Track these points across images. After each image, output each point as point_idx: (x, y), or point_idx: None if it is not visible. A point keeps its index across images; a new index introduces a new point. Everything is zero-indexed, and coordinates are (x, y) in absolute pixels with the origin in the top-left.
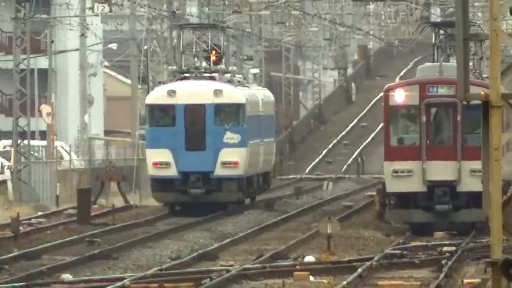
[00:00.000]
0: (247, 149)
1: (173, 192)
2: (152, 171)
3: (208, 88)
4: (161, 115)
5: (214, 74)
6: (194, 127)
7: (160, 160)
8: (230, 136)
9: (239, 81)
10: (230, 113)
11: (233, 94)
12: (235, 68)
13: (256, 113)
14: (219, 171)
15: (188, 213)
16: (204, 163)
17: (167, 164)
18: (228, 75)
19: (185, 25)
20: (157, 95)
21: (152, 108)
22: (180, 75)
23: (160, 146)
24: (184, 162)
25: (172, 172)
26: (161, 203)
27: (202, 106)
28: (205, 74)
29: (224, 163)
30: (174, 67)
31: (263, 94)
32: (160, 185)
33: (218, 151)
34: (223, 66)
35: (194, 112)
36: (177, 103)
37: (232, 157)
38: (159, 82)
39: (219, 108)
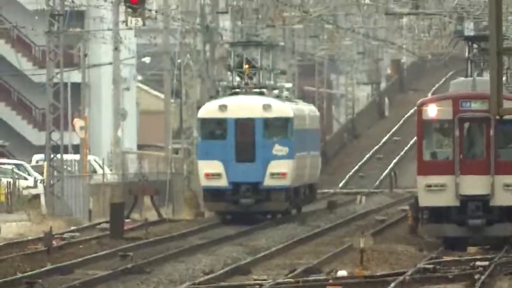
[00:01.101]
0: (294, 161)
1: (224, 202)
2: (204, 182)
3: (258, 103)
4: (213, 128)
5: (263, 90)
6: (244, 140)
7: (211, 171)
8: (279, 149)
9: (286, 97)
10: (278, 127)
11: (281, 109)
12: (283, 84)
13: (302, 127)
14: (268, 182)
15: (238, 222)
16: (253, 174)
17: (218, 175)
18: (276, 91)
19: (236, 43)
20: (209, 109)
21: (204, 121)
22: (231, 90)
23: (211, 158)
24: (234, 173)
25: (223, 182)
26: (212, 212)
27: (252, 120)
28: (254, 90)
29: (273, 174)
30: (225, 83)
31: (309, 109)
32: (212, 195)
33: (267, 162)
34: (271, 82)
35: (244, 125)
36: (228, 117)
37: (281, 168)
38: (211, 97)
39: (268, 122)
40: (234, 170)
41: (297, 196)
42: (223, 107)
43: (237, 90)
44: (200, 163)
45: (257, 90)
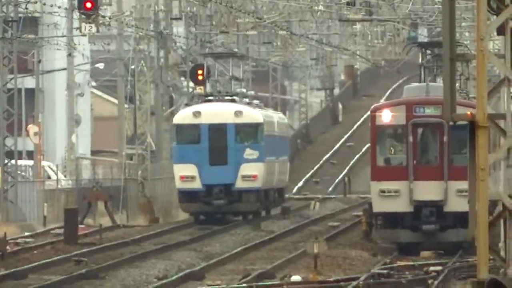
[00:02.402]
0: (265, 164)
1: (198, 203)
2: (179, 184)
3: (230, 109)
4: (187, 133)
5: (234, 97)
6: (217, 144)
7: (186, 174)
8: (250, 152)
9: (256, 104)
10: (249, 132)
11: (252, 115)
12: (252, 92)
13: (272, 133)
14: (240, 184)
15: (211, 222)
16: (226, 177)
17: (192, 178)
18: (246, 99)
19: (208, 54)
20: (184, 116)
21: (179, 127)
22: (204, 97)
23: (186, 161)
24: (208, 176)
25: (197, 184)
26: (185, 214)
27: (224, 125)
28: (226, 97)
29: (244, 177)
30: (199, 91)
31: (278, 116)
32: (186, 196)
33: (239, 165)
34: (243, 90)
35: (217, 130)
36: (202, 123)
37: (252, 171)
38: (186, 104)
39: (240, 127)
40: (207, 172)
41: (267, 198)
42: (197, 113)
43: (210, 97)
44: (176, 166)
45: (229, 97)
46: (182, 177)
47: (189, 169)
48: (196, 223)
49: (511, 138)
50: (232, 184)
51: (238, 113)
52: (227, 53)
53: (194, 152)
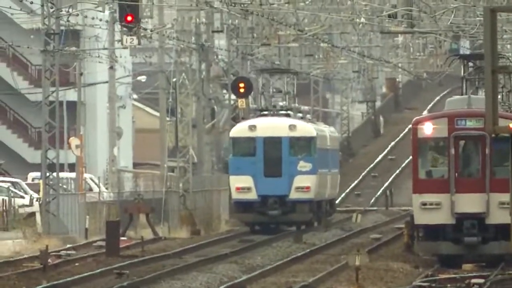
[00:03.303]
0: (317, 176)
1: (253, 213)
2: (235, 195)
3: (284, 123)
4: (243, 146)
5: (289, 112)
6: (272, 157)
7: (242, 185)
8: (303, 165)
9: (309, 119)
10: (303, 145)
11: (305, 129)
12: (306, 107)
13: (324, 146)
14: (294, 195)
15: (265, 232)
16: (280, 188)
17: (248, 189)
18: (300, 114)
19: (264, 70)
20: (240, 129)
21: (235, 140)
22: (259, 112)
23: (242, 173)
24: (263, 187)
25: (252, 195)
26: (241, 224)
27: (279, 139)
28: (281, 112)
29: (298, 188)
30: (255, 106)
31: (329, 130)
32: (242, 207)
33: (293, 177)
34: (296, 105)
35: (272, 143)
36: (257, 136)
37: (305, 182)
38: (242, 118)
39: (294, 141)
40: (262, 184)
41: (319, 209)
42: (252, 127)
43: (265, 112)
44: (232, 178)
45: (283, 112)
46: (238, 188)
47: (245, 181)
48: (251, 232)
49: None
50: (286, 195)
51: (292, 127)
52: (281, 69)
53: (250, 164)
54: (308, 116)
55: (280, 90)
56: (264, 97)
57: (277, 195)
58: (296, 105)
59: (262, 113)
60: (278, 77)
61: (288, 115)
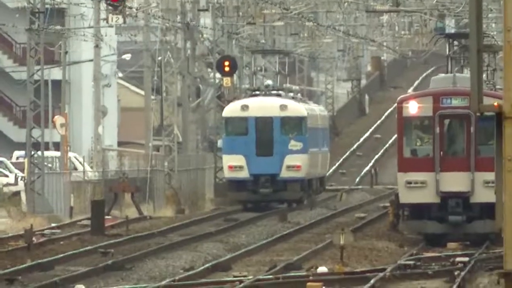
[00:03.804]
0: (308, 155)
1: (245, 192)
2: (227, 174)
3: (276, 103)
4: (236, 126)
5: (280, 92)
6: (263, 136)
7: (234, 164)
8: (294, 144)
9: (300, 98)
10: (294, 125)
11: (296, 109)
12: (297, 87)
13: (314, 125)
14: (285, 174)
15: (257, 209)
16: (272, 167)
17: (240, 168)
18: (291, 93)
19: (256, 51)
20: (233, 109)
21: (228, 120)
22: (251, 92)
23: (234, 152)
24: (255, 166)
25: (245, 174)
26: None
27: (270, 118)
28: (273, 92)
29: (289, 167)
30: (247, 86)
31: (319, 109)
32: (234, 185)
33: (284, 156)
34: (288, 85)
35: (264, 123)
36: (250, 116)
37: (296, 161)
38: (234, 98)
39: (285, 120)
40: (254, 163)
41: (310, 187)
42: (245, 107)
43: (257, 92)
44: (225, 157)
45: (275, 92)
46: (230, 167)
47: (237, 160)
48: (243, 210)
49: None
50: (277, 174)
51: (283, 107)
52: (274, 50)
53: (242, 144)
54: (299, 95)
55: (266, 69)
56: (256, 77)
57: (269, 174)
58: (288, 85)
59: (254, 93)
60: (269, 58)
61: (279, 95)
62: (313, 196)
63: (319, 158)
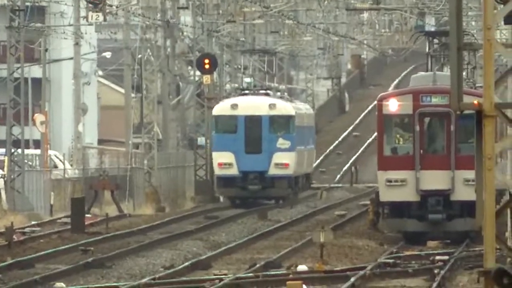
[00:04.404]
0: (296, 153)
1: (234, 188)
2: (217, 171)
3: (264, 102)
4: (225, 124)
5: (268, 91)
6: (252, 134)
7: (224, 161)
8: (282, 142)
9: (287, 98)
10: (282, 123)
11: (284, 108)
12: (283, 87)
13: (301, 124)
14: (273, 171)
15: (246, 206)
16: (260, 164)
17: (230, 165)
18: (279, 93)
19: (246, 50)
20: (222, 108)
21: (218, 118)
22: (240, 91)
23: (224, 149)
24: (244, 163)
25: (234, 171)
26: (222, 197)
27: (259, 117)
28: (261, 91)
29: (277, 164)
30: (236, 85)
31: (305, 108)
32: (224, 182)
33: (272, 154)
34: (276, 85)
35: (253, 122)
36: (239, 114)
37: (284, 159)
38: (224, 97)
39: (273, 119)
40: (243, 160)
41: (296, 184)
42: (234, 106)
43: (246, 91)
44: (214, 154)
45: (263, 91)
46: (220, 164)
47: (226, 157)
48: (232, 206)
49: None
50: (266, 171)
51: (272, 106)
52: (262, 50)
53: (232, 141)
54: (286, 94)
55: (246, 67)
56: (236, 75)
57: (257, 171)
58: (275, 84)
59: (243, 92)
60: (249, 56)
61: (268, 94)
62: (292, 194)
63: (306, 156)
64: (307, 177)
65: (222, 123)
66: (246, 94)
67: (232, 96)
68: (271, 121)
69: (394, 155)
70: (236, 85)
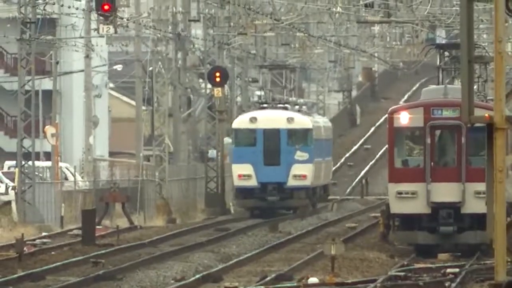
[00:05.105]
0: (313, 165)
1: (253, 199)
2: (236, 182)
3: (283, 116)
4: (245, 137)
5: (286, 105)
6: (271, 147)
7: (243, 173)
8: (300, 154)
9: (306, 111)
10: (300, 136)
11: (302, 121)
12: (302, 100)
13: (319, 137)
14: (291, 182)
15: (264, 216)
16: (279, 176)
17: (249, 176)
18: (297, 106)
19: (264, 66)
20: (242, 121)
21: (237, 131)
22: (259, 105)
23: (243, 161)
24: (263, 175)
25: (253, 182)
26: (241, 208)
27: (277, 130)
28: (279, 105)
29: (295, 176)
30: (256, 99)
31: (323, 121)
32: (243, 193)
33: (290, 166)
34: (294, 99)
35: (271, 135)
36: (258, 128)
37: (302, 171)
38: (243, 111)
39: (291, 132)
40: (262, 172)
41: (314, 195)
42: (253, 119)
43: (265, 105)
44: (234, 166)
45: (282, 105)
46: (239, 176)
47: (246, 169)
48: (251, 217)
49: None
50: (284, 183)
51: (290, 120)
52: (281, 66)
53: (251, 154)
54: (304, 107)
55: (257, 80)
56: (247, 88)
57: (276, 182)
58: (294, 98)
59: (262, 105)
60: (277, 72)
61: (286, 108)
62: (309, 205)
63: (323, 167)
64: (324, 188)
65: (241, 136)
66: (265, 108)
67: (251, 110)
68: (289, 134)
69: (405, 168)
70: (255, 99)
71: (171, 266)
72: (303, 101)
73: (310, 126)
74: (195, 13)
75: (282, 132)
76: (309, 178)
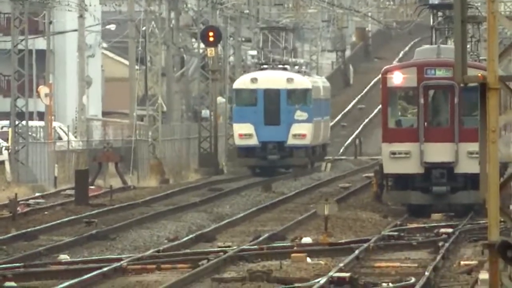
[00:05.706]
0: (313, 124)
1: (254, 158)
2: (237, 141)
3: (282, 76)
4: (246, 97)
5: (286, 66)
6: (271, 107)
7: (244, 132)
8: (300, 114)
9: (305, 72)
10: (299, 96)
11: (302, 81)
12: (302, 61)
13: (318, 97)
14: (291, 141)
15: (265, 174)
16: (279, 135)
17: (250, 135)
18: (297, 67)
19: (264, 28)
20: (243, 81)
21: (238, 91)
22: (260, 66)
23: (244, 121)
24: (263, 134)
25: (254, 141)
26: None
27: (277, 90)
28: (279, 66)
29: (295, 135)
30: (256, 60)
31: (322, 81)
32: (244, 152)
33: (290, 125)
34: (294, 59)
35: (271, 95)
36: (258, 88)
37: (301, 130)
38: (244, 72)
39: (291, 92)
40: (263, 131)
41: (313, 154)
42: (254, 80)
43: (265, 66)
44: (235, 125)
45: (281, 66)
46: (240, 135)
47: (247, 128)
48: (252, 175)
49: None
50: (284, 142)
51: (289, 80)
52: (279, 27)
53: (251, 113)
54: (304, 68)
55: (249, 39)
56: (240, 48)
57: (276, 141)
58: (293, 59)
59: (262, 66)
60: (276, 34)
61: (285, 69)
62: (309, 163)
63: (322, 127)
64: (323, 147)
65: (242, 96)
66: (265, 69)
67: (252, 71)
68: (289, 94)
69: (398, 128)
70: (248, 59)
71: (164, 226)
72: (302, 61)
73: (309, 86)
74: None
75: (282, 92)
76: (308, 137)
